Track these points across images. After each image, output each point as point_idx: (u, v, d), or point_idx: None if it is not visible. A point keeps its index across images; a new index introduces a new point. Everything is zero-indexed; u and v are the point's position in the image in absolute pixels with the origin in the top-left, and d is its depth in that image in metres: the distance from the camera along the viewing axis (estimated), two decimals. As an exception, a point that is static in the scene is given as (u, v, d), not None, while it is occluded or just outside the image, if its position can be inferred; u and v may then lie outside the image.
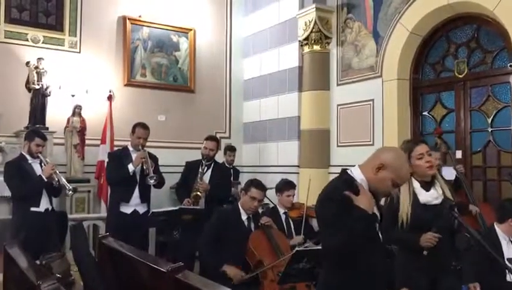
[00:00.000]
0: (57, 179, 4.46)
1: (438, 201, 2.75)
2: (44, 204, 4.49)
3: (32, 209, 4.42)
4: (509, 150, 5.09)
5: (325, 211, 2.26)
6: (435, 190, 2.77)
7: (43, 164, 4.50)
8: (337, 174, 2.42)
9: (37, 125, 6.27)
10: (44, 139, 4.64)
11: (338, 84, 6.75)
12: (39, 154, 4.50)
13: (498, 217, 3.47)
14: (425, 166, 2.75)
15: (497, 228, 3.42)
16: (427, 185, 2.78)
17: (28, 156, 4.50)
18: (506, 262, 2.84)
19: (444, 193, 2.79)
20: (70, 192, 4.62)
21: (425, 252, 2.67)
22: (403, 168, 2.28)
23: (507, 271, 3.02)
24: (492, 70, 5.37)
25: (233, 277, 3.63)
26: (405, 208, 2.72)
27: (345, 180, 2.29)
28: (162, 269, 2.54)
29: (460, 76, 5.63)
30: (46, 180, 4.41)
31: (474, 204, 4.51)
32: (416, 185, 2.78)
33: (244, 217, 3.99)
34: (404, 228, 2.75)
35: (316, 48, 6.79)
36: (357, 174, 2.32)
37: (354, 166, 2.38)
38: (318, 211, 2.32)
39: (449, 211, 2.52)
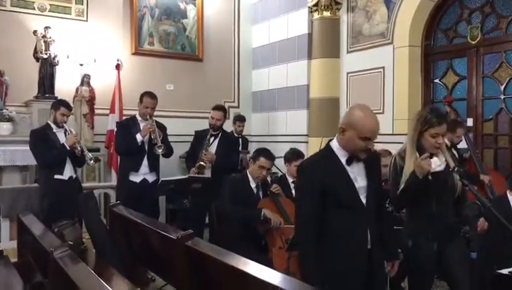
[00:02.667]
0: (79, 148, 4.55)
1: (441, 168, 2.73)
2: (68, 172, 4.61)
3: (56, 176, 4.55)
4: (522, 117, 5.02)
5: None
6: (438, 158, 2.74)
7: (67, 133, 4.60)
8: None
9: (46, 95, 6.29)
10: (70, 109, 4.76)
11: (348, 52, 6.64)
12: (64, 124, 4.61)
13: (510, 184, 3.45)
14: (434, 145, 2.71)
15: (510, 196, 3.39)
16: (430, 154, 2.75)
17: (53, 125, 4.62)
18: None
19: (448, 161, 2.75)
20: (92, 161, 4.69)
21: (429, 177, 2.62)
22: (366, 122, 2.37)
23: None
24: (507, 36, 5.25)
25: (274, 218, 3.69)
26: (407, 176, 2.71)
27: (324, 150, 2.51)
28: (172, 237, 2.58)
29: (473, 42, 5.51)
30: (68, 149, 4.52)
31: (482, 172, 4.49)
32: (418, 154, 2.75)
33: (253, 185, 4.01)
34: None
35: (326, 14, 6.66)
36: (333, 143, 2.49)
37: None
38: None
39: (460, 178, 2.49)
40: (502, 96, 5.28)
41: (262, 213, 3.72)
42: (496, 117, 5.38)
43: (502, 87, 5.28)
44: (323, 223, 2.41)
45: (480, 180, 4.43)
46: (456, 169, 2.53)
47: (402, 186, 2.72)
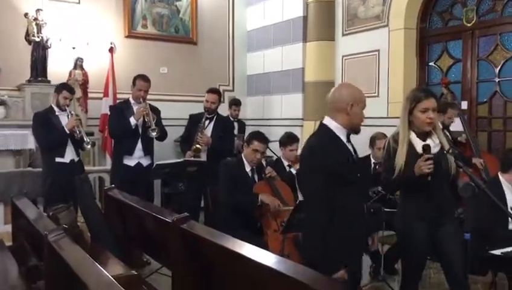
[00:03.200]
0: (78, 132, 4.55)
1: (435, 150, 2.73)
2: (69, 155, 4.63)
3: (57, 159, 4.57)
4: (516, 100, 5.03)
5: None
6: (431, 140, 2.74)
7: (69, 116, 4.60)
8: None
9: (39, 78, 6.24)
10: (72, 92, 4.79)
11: (343, 35, 6.61)
12: (66, 107, 4.62)
13: (502, 166, 3.46)
14: (426, 121, 2.70)
15: (501, 177, 3.42)
16: (423, 136, 2.75)
17: (56, 108, 4.65)
18: (510, 210, 2.86)
19: (442, 143, 2.75)
20: (88, 146, 4.69)
21: (429, 178, 2.63)
22: (360, 93, 2.59)
23: (510, 219, 3.05)
24: (502, 18, 5.23)
25: (271, 202, 3.69)
26: (401, 158, 2.71)
27: (322, 131, 2.57)
28: (167, 220, 2.57)
29: (468, 25, 5.49)
30: (68, 132, 4.54)
31: (478, 155, 4.50)
32: (412, 136, 2.75)
33: (248, 168, 4.00)
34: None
35: (321, -4, 6.60)
36: (331, 123, 2.56)
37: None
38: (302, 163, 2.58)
39: (454, 160, 2.50)
40: (497, 79, 5.28)
41: (259, 199, 3.72)
42: (490, 100, 5.39)
43: (497, 70, 5.28)
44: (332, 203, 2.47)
45: (473, 163, 4.45)
46: (450, 151, 2.53)
47: (396, 170, 2.72)
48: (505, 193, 3.32)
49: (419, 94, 2.75)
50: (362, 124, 2.57)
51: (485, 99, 5.42)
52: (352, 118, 2.53)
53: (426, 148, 2.64)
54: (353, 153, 2.58)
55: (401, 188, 2.89)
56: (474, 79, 5.49)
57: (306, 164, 2.59)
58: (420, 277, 2.99)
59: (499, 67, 5.26)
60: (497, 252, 2.71)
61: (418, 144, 2.73)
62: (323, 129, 2.57)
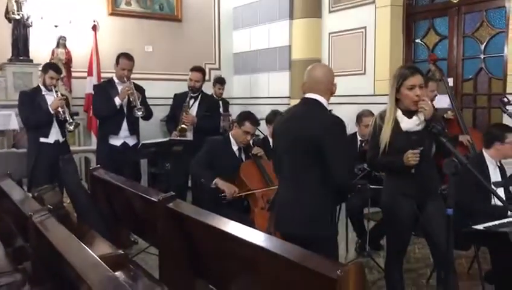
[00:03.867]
0: (62, 112, 4.50)
1: (420, 127, 2.73)
2: (54, 136, 4.61)
3: (42, 139, 4.55)
4: (501, 77, 5.05)
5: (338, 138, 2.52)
6: (417, 117, 2.75)
7: (55, 96, 4.56)
8: (329, 104, 2.68)
9: (21, 58, 6.12)
10: (59, 72, 4.75)
11: (330, 12, 6.56)
12: (53, 87, 4.58)
13: (485, 142, 3.50)
14: (413, 99, 2.69)
15: (485, 153, 3.46)
16: (409, 113, 2.76)
17: (43, 88, 4.61)
18: (492, 186, 2.90)
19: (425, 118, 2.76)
20: (71, 126, 4.64)
21: (413, 171, 2.68)
22: (330, 77, 2.70)
23: (492, 195, 3.10)
24: (488, -5, 5.22)
25: (227, 189, 3.66)
26: (385, 135, 2.72)
27: (320, 106, 2.59)
28: (153, 199, 2.58)
29: (454, 1, 5.48)
30: (53, 112, 4.49)
31: (465, 132, 4.53)
32: (398, 113, 2.75)
33: (235, 147, 3.99)
34: (386, 152, 2.76)
35: (307, -28, 6.52)
36: (321, 100, 2.60)
37: (346, 96, 2.65)
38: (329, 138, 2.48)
39: (436, 135, 2.51)
40: (482, 56, 5.30)
41: (214, 182, 3.69)
42: (475, 77, 5.41)
43: (482, 47, 5.29)
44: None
45: (460, 141, 4.48)
46: (433, 127, 2.54)
47: (381, 147, 2.75)
48: (489, 168, 3.36)
49: (406, 71, 2.74)
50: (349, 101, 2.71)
51: (470, 76, 5.44)
52: (330, 97, 2.67)
53: (415, 142, 2.67)
54: None
55: (386, 170, 2.92)
56: (460, 56, 5.51)
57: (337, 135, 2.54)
58: (405, 252, 3.04)
59: (485, 44, 5.27)
60: (480, 227, 2.76)
61: (404, 121, 2.74)
62: (317, 103, 2.59)
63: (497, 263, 3.11)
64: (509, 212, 2.95)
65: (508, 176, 3.49)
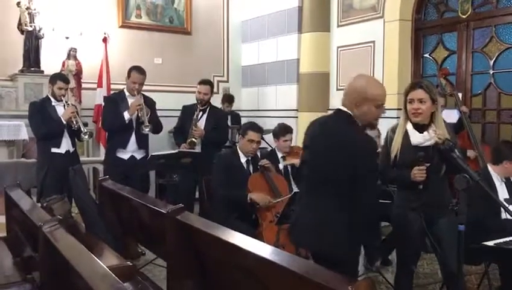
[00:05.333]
0: (75, 122, 4.52)
1: (430, 143, 2.74)
2: (65, 146, 4.60)
3: (53, 150, 4.55)
4: (510, 92, 5.04)
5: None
6: (428, 133, 2.76)
7: (66, 107, 4.57)
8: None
9: (32, 69, 6.19)
10: (67, 82, 4.73)
11: (339, 26, 6.59)
12: (62, 97, 4.59)
13: (493, 158, 3.49)
14: (410, 112, 2.75)
15: (491, 169, 3.45)
16: (420, 127, 2.77)
17: (52, 99, 4.61)
18: (503, 201, 2.88)
19: (439, 136, 2.76)
20: (86, 136, 4.66)
21: (420, 187, 2.68)
22: (377, 91, 2.46)
23: (502, 210, 3.07)
24: (497, 10, 5.23)
25: (261, 200, 3.70)
26: (395, 147, 2.75)
27: (349, 121, 2.49)
28: (162, 211, 2.57)
29: (463, 16, 5.49)
30: (65, 122, 4.51)
31: (476, 145, 4.50)
32: (409, 126, 2.78)
33: (243, 160, 4.00)
34: (395, 165, 2.79)
35: (316, -13, 6.57)
36: (348, 112, 2.50)
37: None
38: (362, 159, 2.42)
39: (448, 152, 2.51)
40: (491, 71, 5.29)
41: (249, 198, 3.72)
42: (484, 92, 5.40)
43: (491, 62, 5.29)
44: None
45: (468, 156, 4.46)
46: (445, 142, 2.54)
47: (392, 157, 2.78)
48: (496, 184, 3.35)
49: (408, 86, 2.83)
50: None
51: (479, 91, 5.43)
52: (363, 114, 2.48)
53: (422, 158, 2.66)
54: None
55: (395, 183, 2.92)
56: (469, 71, 5.50)
57: (368, 155, 2.50)
58: (415, 267, 3.01)
59: (494, 59, 5.26)
60: (490, 243, 2.74)
61: (414, 136, 2.75)
62: (347, 116, 2.50)
63: (507, 279, 3.08)
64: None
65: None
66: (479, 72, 5.45)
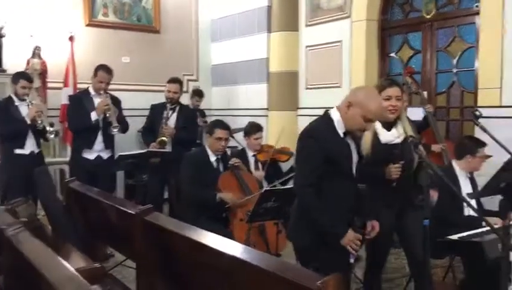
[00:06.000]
0: (40, 122, 4.41)
1: (399, 140, 2.79)
2: (29, 146, 4.52)
3: (17, 151, 4.46)
4: (473, 90, 5.19)
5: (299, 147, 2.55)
6: (396, 130, 2.81)
7: (29, 106, 4.42)
8: (305, 117, 2.60)
9: (-6, 68, 6.01)
10: (30, 81, 4.63)
11: (307, 25, 6.64)
12: (26, 97, 4.48)
13: (457, 154, 3.59)
14: (388, 108, 2.77)
15: (455, 165, 3.54)
16: (388, 125, 2.82)
17: (15, 98, 4.51)
18: (465, 196, 2.97)
19: (406, 131, 2.82)
20: (52, 135, 4.55)
21: (394, 184, 2.73)
22: (371, 103, 2.42)
23: (465, 205, 3.17)
24: (459, 11, 5.37)
25: (230, 200, 3.70)
26: (365, 146, 2.76)
27: (324, 119, 2.53)
28: (131, 212, 2.55)
29: (428, 16, 5.62)
30: (29, 122, 4.40)
31: (441, 142, 4.62)
32: (378, 125, 2.81)
33: (212, 158, 3.99)
34: (367, 162, 2.77)
35: (285, -14, 6.61)
36: (334, 114, 2.53)
37: (322, 108, 2.56)
38: (296, 146, 2.57)
39: (414, 148, 2.56)
40: (455, 70, 5.43)
41: (218, 197, 3.71)
42: (448, 90, 5.54)
43: (455, 61, 5.43)
44: (319, 189, 2.51)
45: (432, 150, 4.58)
46: (410, 139, 2.59)
47: (364, 155, 2.79)
48: (459, 180, 3.45)
49: (384, 83, 2.88)
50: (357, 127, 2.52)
51: (443, 90, 5.57)
52: (349, 119, 2.48)
53: (397, 156, 2.73)
54: (351, 149, 2.56)
55: (369, 181, 2.93)
56: (434, 70, 5.64)
57: (301, 144, 2.55)
58: (384, 262, 3.07)
59: (457, 58, 5.41)
60: (455, 237, 2.82)
61: (383, 134, 2.79)
62: (326, 117, 2.56)
63: (471, 271, 3.18)
64: (483, 223, 3.01)
65: (479, 187, 3.58)
66: (443, 70, 5.59)
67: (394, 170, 2.73)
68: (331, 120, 2.52)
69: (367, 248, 3.09)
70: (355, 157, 2.58)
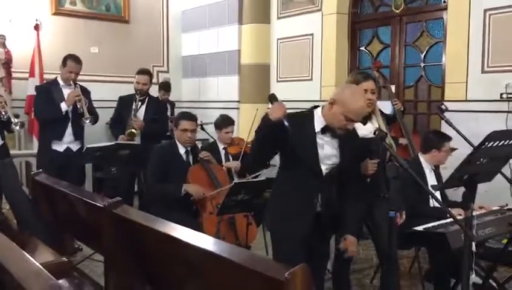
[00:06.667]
0: (3, 113, 4.26)
1: (372, 135, 2.83)
2: None
3: None
4: (439, 84, 5.31)
5: None
6: (371, 124, 2.84)
7: None
8: None
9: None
10: None
11: (278, 18, 6.65)
12: None
13: (423, 147, 3.67)
14: (366, 103, 2.77)
15: (421, 158, 3.63)
16: (364, 119, 2.83)
17: None
18: (430, 189, 3.04)
19: (379, 126, 2.87)
20: (17, 127, 4.41)
21: (368, 180, 2.75)
22: (354, 103, 2.38)
23: (430, 197, 3.25)
24: (428, 6, 5.48)
25: (195, 193, 3.66)
26: None
27: (305, 112, 2.53)
28: (99, 205, 2.51)
29: (397, 11, 5.70)
30: None
31: (408, 137, 4.72)
32: None
33: (182, 151, 3.96)
34: None
35: (256, -22, 6.59)
36: (318, 110, 2.51)
37: (293, 101, 2.54)
38: None
39: (380, 141, 2.58)
40: (422, 64, 5.54)
41: (183, 189, 3.70)
42: (416, 84, 5.65)
43: (422, 56, 5.54)
44: (280, 176, 2.60)
45: (400, 143, 4.67)
46: (377, 132, 2.61)
47: None
48: (425, 172, 3.53)
49: (358, 76, 2.87)
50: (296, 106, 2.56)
51: (411, 84, 5.68)
52: (330, 116, 2.43)
53: (375, 152, 2.74)
54: (321, 145, 2.48)
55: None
56: (402, 64, 5.74)
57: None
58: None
59: (424, 52, 5.52)
60: (420, 228, 2.89)
61: (359, 128, 2.79)
62: (309, 111, 2.53)
63: (436, 262, 3.26)
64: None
65: (443, 180, 3.67)
66: (411, 64, 5.69)
67: (371, 165, 2.74)
68: (311, 114, 2.50)
69: (336, 240, 3.13)
70: (328, 152, 2.50)
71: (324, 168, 2.51)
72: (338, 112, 2.38)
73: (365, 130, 2.82)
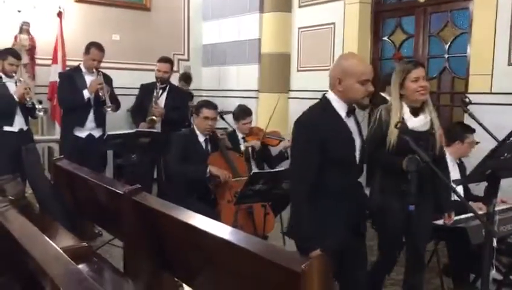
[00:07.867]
0: (28, 99, 4.36)
1: (426, 128, 2.70)
2: (18, 124, 4.46)
3: (6, 128, 4.40)
4: (464, 76, 5.20)
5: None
6: (424, 116, 2.71)
7: (17, 84, 4.39)
8: (296, 99, 2.49)
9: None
10: (18, 58, 4.54)
11: (300, 6, 6.59)
12: (14, 74, 4.42)
13: (446, 139, 3.60)
14: (417, 90, 2.65)
15: (446, 151, 3.56)
16: (416, 111, 2.71)
17: (2, 75, 4.43)
18: (452, 183, 3.00)
19: (432, 118, 2.73)
20: (41, 113, 4.51)
21: (409, 176, 2.49)
22: (360, 66, 2.30)
23: (452, 191, 3.20)
24: (453, -5, 5.36)
25: (221, 174, 3.68)
26: (392, 136, 2.63)
27: (321, 103, 2.38)
28: (119, 191, 2.54)
29: (421, 0, 5.59)
30: (17, 100, 4.35)
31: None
32: (406, 110, 2.69)
33: (201, 139, 3.98)
34: (390, 152, 2.65)
35: (278, -34, 6.53)
36: (330, 95, 2.37)
37: (313, 91, 2.46)
38: (292, 135, 2.41)
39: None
40: (446, 56, 5.44)
41: (208, 170, 3.72)
42: (439, 76, 5.55)
43: (446, 47, 5.43)
44: (317, 181, 2.29)
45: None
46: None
47: (387, 145, 2.66)
48: (449, 165, 3.47)
49: (408, 65, 2.72)
50: (316, 96, 2.42)
51: (434, 75, 5.58)
52: (346, 92, 2.29)
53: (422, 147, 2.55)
54: (352, 131, 2.35)
55: (384, 168, 2.79)
56: (425, 55, 5.63)
57: (295, 135, 2.37)
58: (399, 254, 2.95)
59: (449, 43, 5.41)
60: (440, 222, 2.85)
61: (410, 120, 2.68)
62: (323, 100, 2.39)
63: (455, 257, 3.22)
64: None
65: (468, 173, 3.61)
66: (434, 56, 5.58)
67: (408, 161, 2.49)
68: (328, 102, 2.35)
69: (380, 240, 2.92)
70: (358, 143, 2.37)
71: (358, 156, 2.38)
72: (351, 84, 2.27)
73: (416, 122, 2.68)
